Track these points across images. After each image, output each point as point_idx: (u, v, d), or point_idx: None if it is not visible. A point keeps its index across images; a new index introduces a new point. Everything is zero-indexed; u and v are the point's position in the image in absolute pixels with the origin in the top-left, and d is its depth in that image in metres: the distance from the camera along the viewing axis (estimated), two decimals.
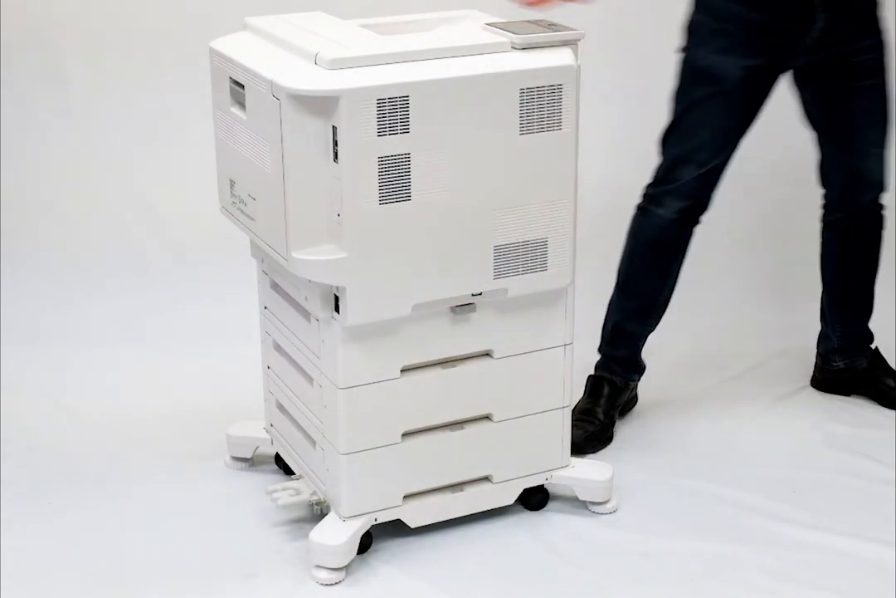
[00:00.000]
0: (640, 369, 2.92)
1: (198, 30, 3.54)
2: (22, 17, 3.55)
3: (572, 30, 2.27)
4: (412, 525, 2.46)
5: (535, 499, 2.58)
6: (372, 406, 2.35)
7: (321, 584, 2.36)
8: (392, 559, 2.43)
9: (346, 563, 2.38)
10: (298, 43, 2.21)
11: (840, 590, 2.32)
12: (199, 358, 3.20)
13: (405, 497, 2.44)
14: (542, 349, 2.45)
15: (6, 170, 3.60)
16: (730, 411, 3.00)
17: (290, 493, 2.50)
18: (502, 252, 2.29)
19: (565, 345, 2.47)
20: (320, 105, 2.10)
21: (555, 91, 2.22)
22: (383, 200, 2.16)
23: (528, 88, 2.19)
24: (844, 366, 3.01)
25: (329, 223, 2.18)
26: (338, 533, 2.37)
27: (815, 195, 2.96)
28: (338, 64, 2.11)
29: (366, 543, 2.44)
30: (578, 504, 2.58)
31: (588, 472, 2.57)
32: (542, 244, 2.32)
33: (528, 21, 2.31)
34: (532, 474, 2.53)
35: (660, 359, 3.12)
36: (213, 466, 2.74)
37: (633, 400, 2.95)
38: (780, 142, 3.46)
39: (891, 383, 2.98)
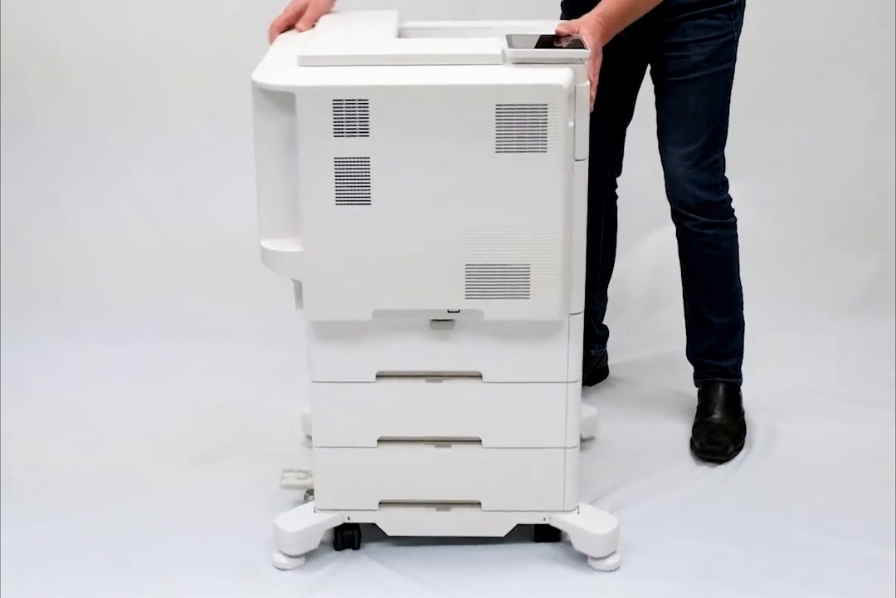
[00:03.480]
0: (597, 338, 3.00)
1: (198, 30, 3.68)
2: (22, 18, 3.62)
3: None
4: (389, 533, 2.45)
5: (546, 533, 2.45)
6: (345, 405, 2.36)
7: (276, 567, 2.41)
8: (395, 562, 2.43)
9: (300, 552, 2.41)
10: (310, 39, 2.26)
11: (840, 590, 2.31)
12: (199, 357, 3.23)
13: (381, 503, 2.42)
14: (535, 382, 2.33)
15: (6, 170, 3.67)
16: None
17: (297, 476, 2.57)
18: (476, 272, 2.21)
19: (567, 382, 2.33)
20: (285, 101, 2.13)
21: (538, 111, 2.10)
22: (340, 201, 2.16)
23: (506, 105, 2.09)
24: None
25: (294, 217, 2.21)
26: (299, 522, 2.41)
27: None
28: (307, 61, 2.14)
29: (349, 540, 2.45)
30: None
31: (589, 523, 2.41)
32: (524, 271, 2.20)
33: (558, 37, 2.20)
34: (527, 511, 2.42)
35: (659, 358, 3.19)
36: (213, 465, 2.74)
37: (604, 372, 3.08)
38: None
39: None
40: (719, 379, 2.84)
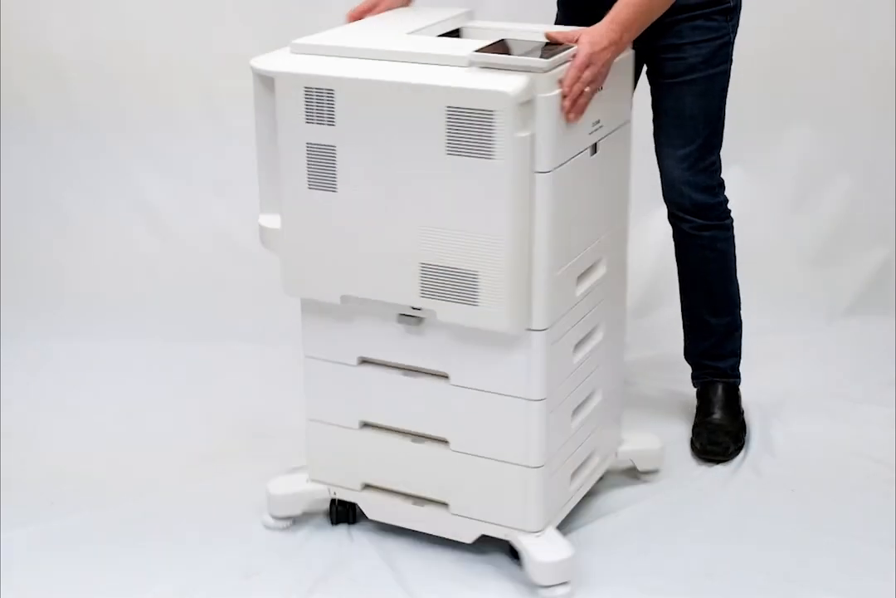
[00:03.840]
0: None
1: (198, 31, 3.62)
2: (22, 19, 3.60)
3: (567, 53, 2.10)
4: (369, 516, 2.50)
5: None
6: (331, 384, 2.44)
7: (265, 526, 2.54)
8: (399, 563, 2.44)
9: (283, 514, 2.52)
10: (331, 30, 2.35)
11: (840, 590, 2.30)
12: (199, 357, 3.23)
13: (364, 486, 2.49)
14: (497, 394, 2.29)
15: (6, 170, 3.66)
16: None
17: None
18: (429, 271, 2.21)
19: (529, 400, 2.27)
20: (273, 85, 2.24)
21: (485, 116, 2.06)
22: (311, 186, 2.24)
23: (456, 108, 2.08)
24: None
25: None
26: (286, 487, 2.53)
27: None
28: (297, 49, 2.23)
29: (343, 515, 2.54)
30: (581, 504, 2.53)
31: (542, 548, 2.33)
32: (473, 277, 2.18)
33: (545, 43, 2.15)
34: (492, 523, 2.39)
35: (658, 358, 3.13)
36: (214, 465, 2.73)
37: None
38: None
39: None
40: (718, 379, 2.83)
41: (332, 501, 2.53)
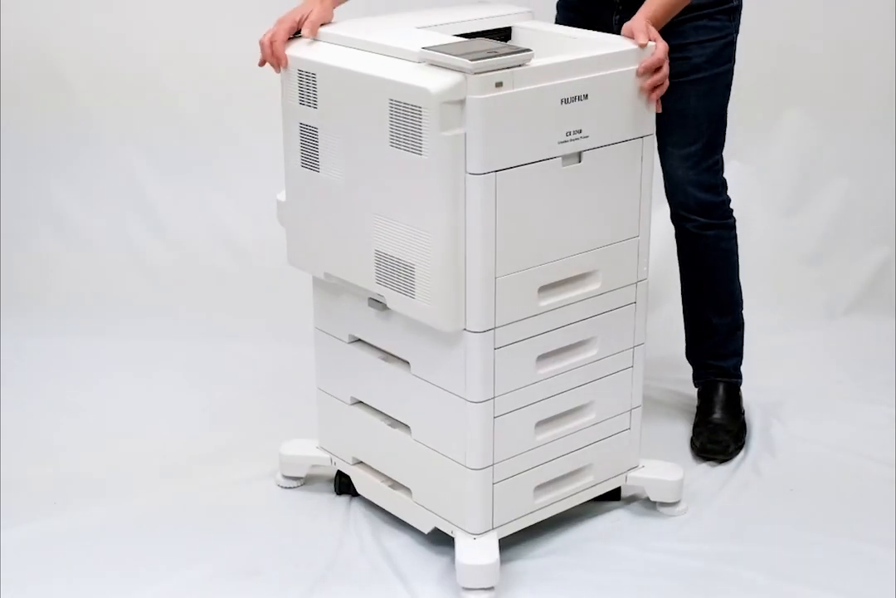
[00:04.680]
0: None
1: (199, 31, 3.55)
2: (23, 19, 3.55)
3: (518, 57, 2.07)
4: (358, 491, 2.59)
5: None
6: (331, 357, 2.55)
7: (277, 484, 2.69)
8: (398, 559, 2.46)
9: (290, 474, 2.66)
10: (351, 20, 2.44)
11: (840, 590, 2.31)
12: (200, 357, 3.22)
13: (356, 461, 2.59)
14: (444, 390, 2.31)
15: (6, 170, 3.60)
16: None
17: None
18: (381, 259, 2.27)
19: (467, 401, 2.28)
20: None
21: (415, 112, 2.09)
22: (303, 164, 2.36)
23: (395, 101, 2.12)
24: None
25: None
26: (296, 448, 2.68)
27: None
28: (321, 37, 2.34)
29: (346, 486, 2.64)
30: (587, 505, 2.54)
31: (469, 553, 2.32)
32: (411, 270, 2.21)
33: (485, 42, 2.14)
34: (442, 518, 2.42)
35: (658, 358, 3.06)
36: (214, 465, 2.74)
37: None
38: None
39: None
40: (719, 379, 2.83)
41: (338, 470, 2.64)
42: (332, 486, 2.65)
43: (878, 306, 3.42)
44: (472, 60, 2.03)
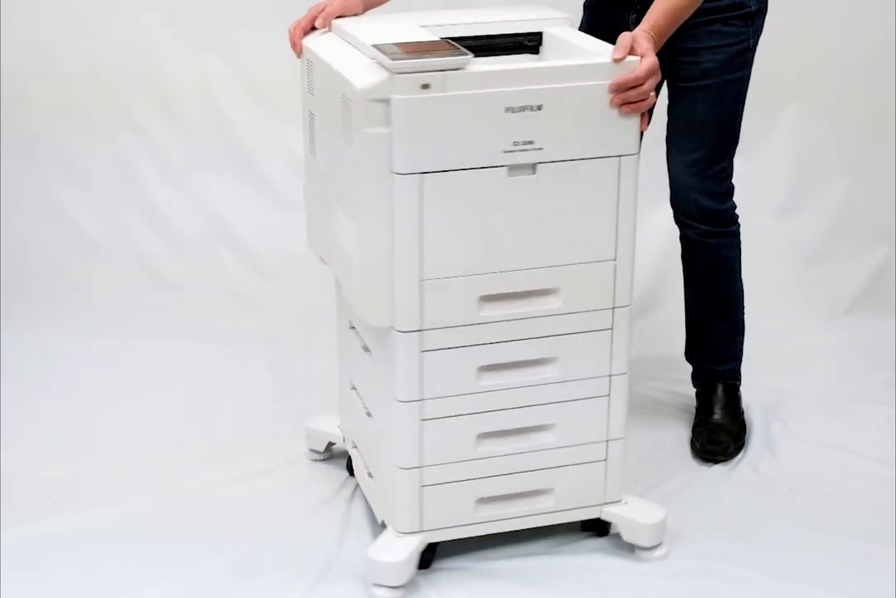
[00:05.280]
0: None
1: (199, 31, 3.47)
2: (23, 19, 3.51)
3: (450, 60, 2.06)
4: (354, 473, 2.67)
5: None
6: (340, 340, 2.65)
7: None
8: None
9: (312, 447, 2.76)
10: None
11: (840, 590, 2.32)
12: (200, 357, 3.19)
13: (354, 445, 2.67)
14: (382, 384, 2.35)
15: (6, 170, 3.52)
16: None
17: None
18: (335, 247, 2.33)
19: (393, 399, 2.30)
20: None
21: (350, 107, 2.14)
22: (309, 149, 2.46)
23: (343, 95, 2.18)
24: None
25: None
26: (318, 423, 2.77)
27: None
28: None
29: (349, 468, 2.73)
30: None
31: (384, 550, 2.32)
32: (349, 261, 2.25)
33: (438, 44, 2.13)
34: (385, 510, 2.46)
35: (658, 358, 3.10)
36: (215, 464, 2.72)
37: None
38: None
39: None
40: (718, 381, 2.82)
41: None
42: (333, 486, 2.69)
43: (878, 306, 3.41)
44: (393, 60, 2.04)
